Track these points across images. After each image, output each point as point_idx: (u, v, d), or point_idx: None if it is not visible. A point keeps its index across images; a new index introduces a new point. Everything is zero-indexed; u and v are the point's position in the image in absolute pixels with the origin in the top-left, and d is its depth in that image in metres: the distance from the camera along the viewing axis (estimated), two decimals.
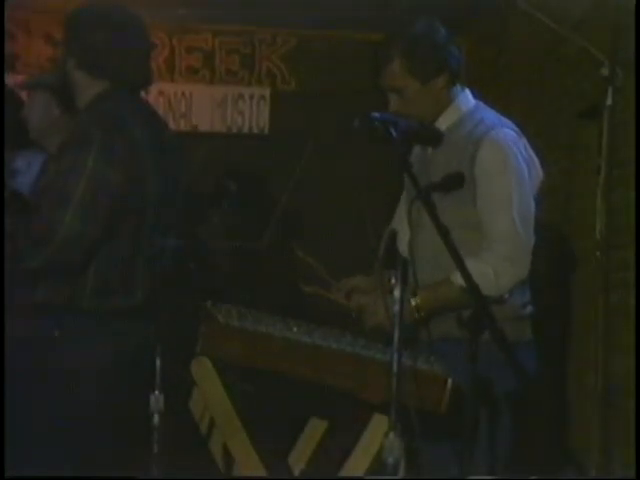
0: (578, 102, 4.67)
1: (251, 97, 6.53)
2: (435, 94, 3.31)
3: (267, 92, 6.53)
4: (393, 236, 2.86)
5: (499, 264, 3.13)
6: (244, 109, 6.53)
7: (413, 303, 3.15)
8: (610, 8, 4.27)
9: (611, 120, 4.20)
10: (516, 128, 3.34)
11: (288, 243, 3.30)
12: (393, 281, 2.69)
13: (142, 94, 3.42)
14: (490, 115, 3.35)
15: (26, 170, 4.07)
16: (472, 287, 2.74)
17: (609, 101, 4.17)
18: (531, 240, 3.24)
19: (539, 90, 5.20)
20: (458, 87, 3.36)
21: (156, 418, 2.95)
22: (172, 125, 6.29)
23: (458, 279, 3.13)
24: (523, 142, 3.31)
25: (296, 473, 3.33)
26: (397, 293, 2.67)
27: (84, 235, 3.09)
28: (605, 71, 4.18)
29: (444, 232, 2.81)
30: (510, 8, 4.87)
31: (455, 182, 3.21)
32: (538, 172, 3.34)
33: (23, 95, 4.38)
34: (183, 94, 6.48)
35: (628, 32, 4.03)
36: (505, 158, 3.22)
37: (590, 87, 4.45)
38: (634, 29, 3.93)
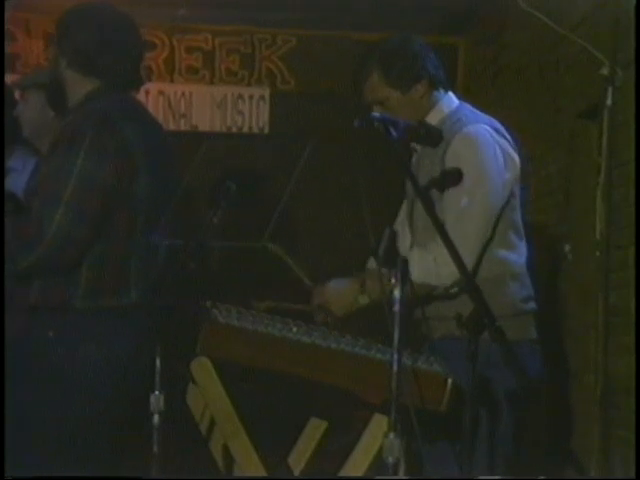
0: (578, 102, 4.67)
1: (251, 97, 6.53)
2: (417, 101, 3.35)
3: (267, 92, 6.52)
4: (393, 236, 2.85)
5: (440, 253, 2.95)
6: (244, 109, 6.52)
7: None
8: (610, 8, 4.26)
9: (611, 120, 4.20)
10: (497, 124, 3.32)
11: (286, 243, 3.28)
12: (393, 281, 2.69)
13: (137, 94, 3.42)
14: (469, 113, 3.35)
15: (22, 170, 4.06)
16: (470, 284, 2.75)
17: (609, 101, 4.17)
18: (482, 234, 3.20)
19: (539, 90, 5.20)
20: (441, 91, 3.39)
21: (156, 418, 2.95)
22: (172, 125, 6.31)
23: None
24: (500, 138, 3.28)
25: (296, 473, 3.34)
26: (397, 293, 2.67)
27: (74, 234, 3.07)
28: (605, 71, 4.19)
29: (441, 229, 2.81)
30: (510, 8, 4.87)
31: (453, 178, 3.20)
32: (515, 170, 3.31)
33: (16, 94, 4.36)
34: (183, 94, 6.48)
35: (628, 32, 4.03)
36: (468, 151, 3.22)
37: (590, 87, 4.45)
38: (634, 29, 3.93)
